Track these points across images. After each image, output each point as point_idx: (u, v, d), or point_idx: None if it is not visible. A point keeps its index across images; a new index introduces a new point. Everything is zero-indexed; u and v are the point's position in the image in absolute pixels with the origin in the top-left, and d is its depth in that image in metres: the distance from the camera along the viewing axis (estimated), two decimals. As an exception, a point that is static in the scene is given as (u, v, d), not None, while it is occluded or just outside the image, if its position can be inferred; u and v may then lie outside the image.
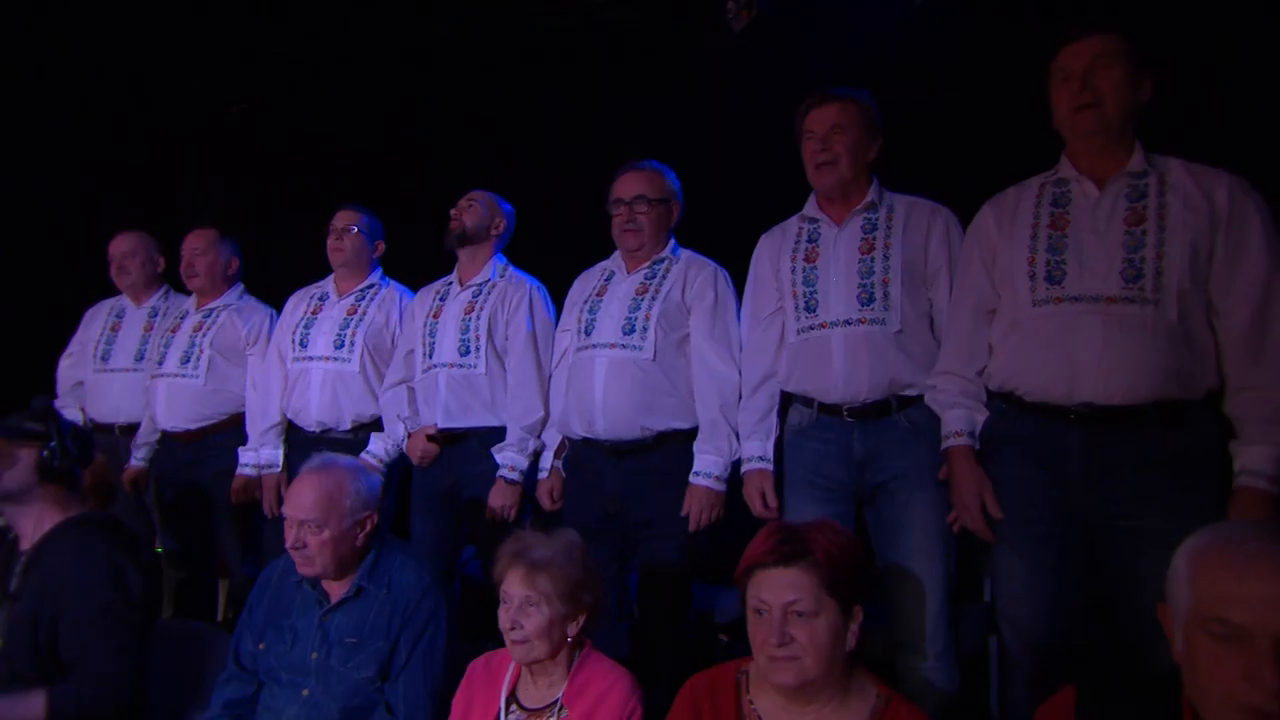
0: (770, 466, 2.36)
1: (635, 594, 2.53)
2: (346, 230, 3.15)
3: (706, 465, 2.43)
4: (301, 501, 2.03)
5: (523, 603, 1.83)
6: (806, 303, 2.31)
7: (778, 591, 1.55)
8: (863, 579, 1.61)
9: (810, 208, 2.40)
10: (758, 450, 2.38)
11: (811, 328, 2.29)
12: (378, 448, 2.94)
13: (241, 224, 4.00)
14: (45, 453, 2.17)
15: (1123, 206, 1.95)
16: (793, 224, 2.44)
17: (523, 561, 1.86)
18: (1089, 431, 1.89)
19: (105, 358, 3.50)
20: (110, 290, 3.69)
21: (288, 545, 2.05)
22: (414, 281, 3.18)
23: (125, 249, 3.59)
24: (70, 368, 3.65)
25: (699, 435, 2.47)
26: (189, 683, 2.29)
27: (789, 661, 1.54)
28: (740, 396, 2.46)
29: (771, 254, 2.44)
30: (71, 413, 3.53)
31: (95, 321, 3.64)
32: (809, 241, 2.37)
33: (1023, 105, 2.20)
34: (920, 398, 2.21)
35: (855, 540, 1.64)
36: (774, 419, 2.39)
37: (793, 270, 2.35)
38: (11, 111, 4.36)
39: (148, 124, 4.61)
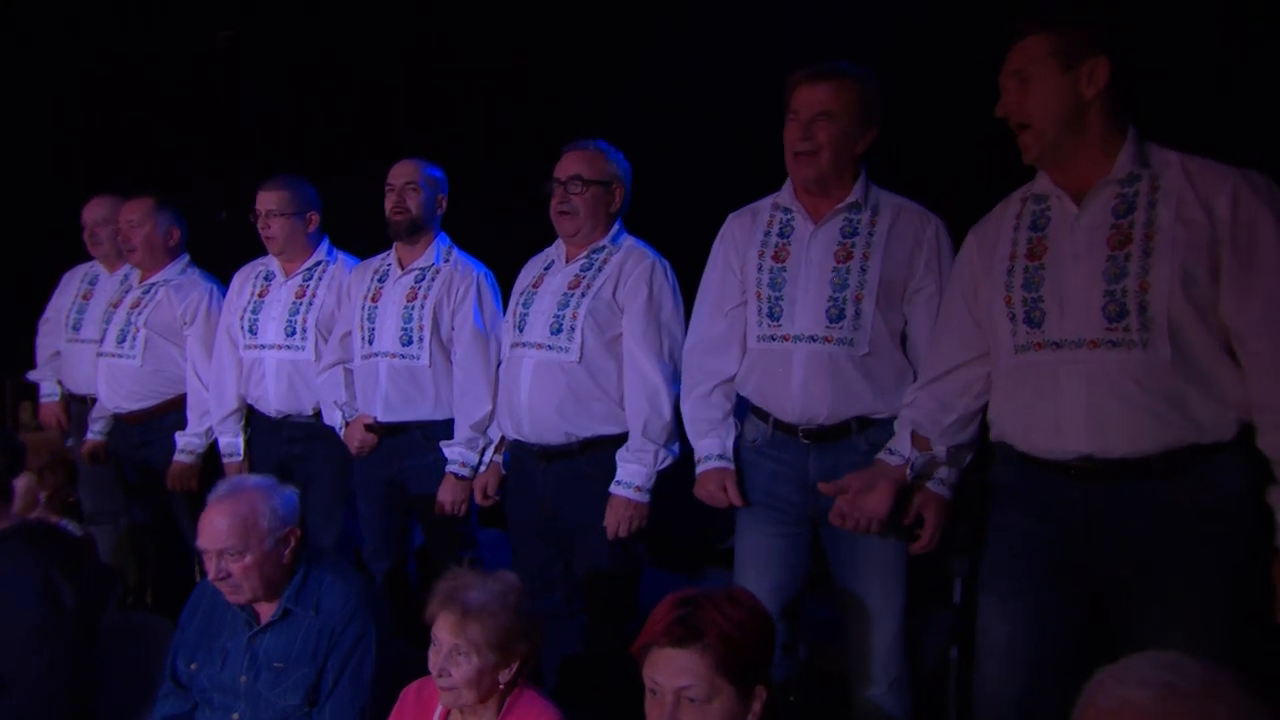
0: (731, 465, 2.17)
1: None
2: (270, 215, 2.89)
3: (628, 475, 2.30)
4: (216, 531, 1.94)
5: (451, 651, 1.76)
6: (770, 309, 2.09)
7: (669, 675, 1.46)
8: (766, 658, 1.51)
9: (786, 195, 2.15)
10: (716, 448, 2.19)
11: (773, 337, 2.09)
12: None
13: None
14: None
15: (1106, 224, 1.68)
16: (765, 209, 2.19)
17: (455, 607, 1.78)
18: (1091, 485, 1.68)
19: (76, 327, 3.43)
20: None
21: (210, 579, 1.98)
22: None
23: (98, 216, 3.42)
24: (46, 334, 3.61)
25: (626, 443, 2.34)
26: (143, 676, 2.29)
27: None
28: (669, 404, 2.30)
29: (739, 242, 2.19)
30: (50, 385, 3.53)
31: (69, 288, 3.56)
32: (780, 236, 2.13)
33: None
34: (882, 420, 2.03)
35: (758, 616, 1.52)
36: (733, 421, 2.21)
37: (759, 269, 2.13)
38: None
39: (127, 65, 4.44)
